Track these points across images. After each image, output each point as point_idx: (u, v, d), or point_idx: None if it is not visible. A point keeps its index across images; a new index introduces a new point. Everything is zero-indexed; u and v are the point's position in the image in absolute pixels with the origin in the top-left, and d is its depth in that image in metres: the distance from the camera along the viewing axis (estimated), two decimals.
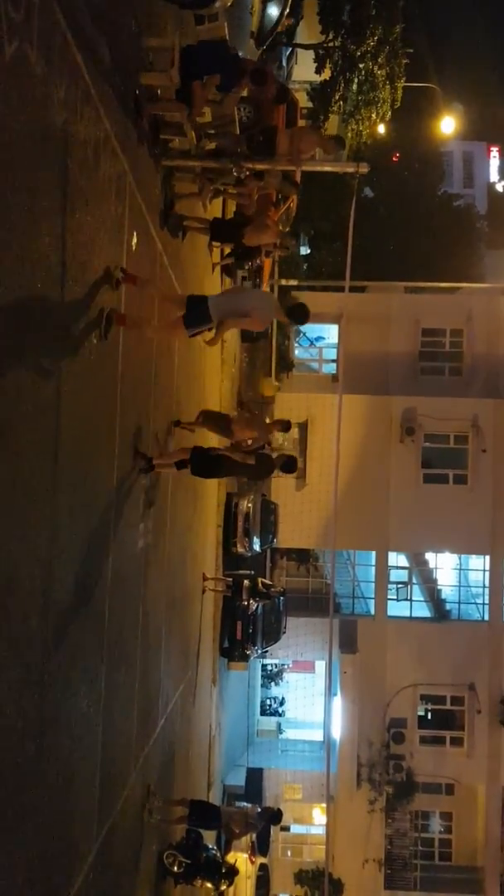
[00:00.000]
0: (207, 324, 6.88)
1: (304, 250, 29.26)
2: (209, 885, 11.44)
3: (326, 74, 24.45)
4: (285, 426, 12.27)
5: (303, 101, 24.03)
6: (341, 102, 24.70)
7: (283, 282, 21.92)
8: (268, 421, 15.00)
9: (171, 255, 9.43)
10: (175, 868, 10.32)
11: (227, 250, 14.55)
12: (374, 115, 24.72)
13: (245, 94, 9.58)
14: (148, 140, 7.90)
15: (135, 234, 7.30)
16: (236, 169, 8.81)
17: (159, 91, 7.90)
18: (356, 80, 23.78)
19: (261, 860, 17.94)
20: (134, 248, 7.30)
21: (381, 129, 28.42)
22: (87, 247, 5.72)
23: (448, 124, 32.15)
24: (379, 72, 23.24)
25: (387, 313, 22.89)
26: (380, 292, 23.97)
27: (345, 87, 24.03)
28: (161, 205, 8.78)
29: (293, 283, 22.60)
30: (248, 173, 9.08)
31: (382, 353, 22.53)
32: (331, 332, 24.67)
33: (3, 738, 4.41)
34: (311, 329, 24.84)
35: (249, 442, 12.49)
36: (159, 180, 8.63)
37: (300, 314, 7.62)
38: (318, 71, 24.60)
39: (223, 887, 11.86)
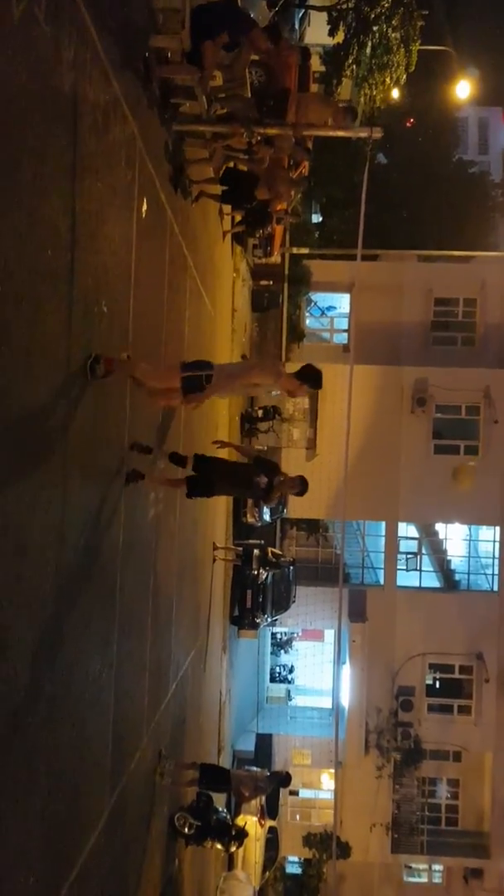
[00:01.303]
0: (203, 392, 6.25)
1: (316, 218, 28.96)
2: (219, 846, 11.63)
3: (340, 37, 23.98)
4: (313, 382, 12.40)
5: (315, 64, 23.64)
6: (354, 66, 24.25)
7: (295, 250, 21.74)
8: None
9: (182, 223, 9.35)
10: (186, 829, 10.49)
11: (238, 218, 14.46)
12: (387, 80, 24.26)
13: (257, 57, 9.43)
14: (158, 104, 7.80)
15: (145, 200, 7.24)
16: (248, 134, 8.70)
17: (169, 54, 7.78)
18: (370, 44, 23.32)
19: (270, 823, 18.25)
20: (144, 215, 7.24)
21: (395, 93, 27.94)
22: (96, 214, 5.68)
23: (463, 89, 31.51)
24: (393, 34, 22.77)
25: (399, 282, 22.71)
26: (392, 261, 23.76)
27: (358, 50, 23.57)
28: (171, 171, 8.69)
29: (304, 250, 22.40)
30: (259, 138, 8.97)
31: (394, 322, 22.39)
32: (342, 302, 24.51)
33: (16, 700, 4.47)
34: (322, 298, 24.68)
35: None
36: (169, 146, 8.54)
37: (314, 379, 6.67)
38: (332, 34, 24.11)
39: (233, 849, 12.08)
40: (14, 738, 4.45)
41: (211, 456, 8.66)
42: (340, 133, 8.81)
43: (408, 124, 31.16)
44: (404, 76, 25.12)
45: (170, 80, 8.03)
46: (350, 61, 24.06)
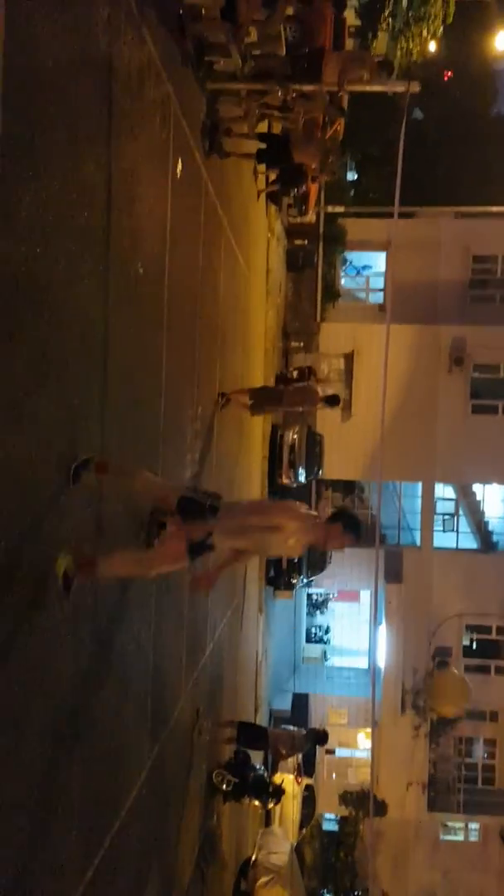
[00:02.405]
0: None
1: (351, 176, 28.46)
2: (257, 802, 11.85)
3: None
4: (333, 401, 12.45)
5: (351, 19, 23.05)
6: (390, 19, 23.64)
7: (330, 208, 21.42)
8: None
9: (216, 183, 9.26)
10: (224, 786, 10.69)
11: (273, 177, 14.26)
12: (424, 32, 23.61)
13: (291, 13, 9.23)
14: (192, 63, 7.69)
15: (180, 160, 7.17)
16: (283, 91, 8.54)
17: (203, 10, 7.63)
18: None
19: (307, 781, 18.48)
20: (179, 175, 7.18)
21: (432, 46, 27.19)
22: (132, 175, 5.64)
23: (503, 40, 30.59)
24: None
25: (436, 240, 22.29)
26: (429, 218, 23.29)
27: (394, 2, 22.97)
28: (206, 130, 8.59)
29: (340, 209, 22.05)
30: (294, 95, 8.80)
31: (431, 280, 22.03)
32: (378, 261, 24.15)
33: (60, 658, 4.56)
34: (357, 257, 24.35)
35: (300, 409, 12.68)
36: (204, 104, 8.43)
37: (355, 527, 5.24)
38: None
39: (270, 805, 12.29)
40: (56, 693, 4.55)
41: None
42: (377, 88, 8.62)
43: (445, 78, 30.34)
44: (441, 28, 24.39)
45: (204, 37, 7.89)
46: (386, 14, 23.46)
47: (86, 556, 4.57)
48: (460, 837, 24.79)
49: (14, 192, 3.66)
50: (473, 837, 24.78)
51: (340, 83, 8.40)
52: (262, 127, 10.97)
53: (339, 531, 4.89)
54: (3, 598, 3.78)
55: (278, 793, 11.87)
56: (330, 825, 24.86)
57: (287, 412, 18.71)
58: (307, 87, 8.63)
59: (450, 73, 30.52)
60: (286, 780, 15.11)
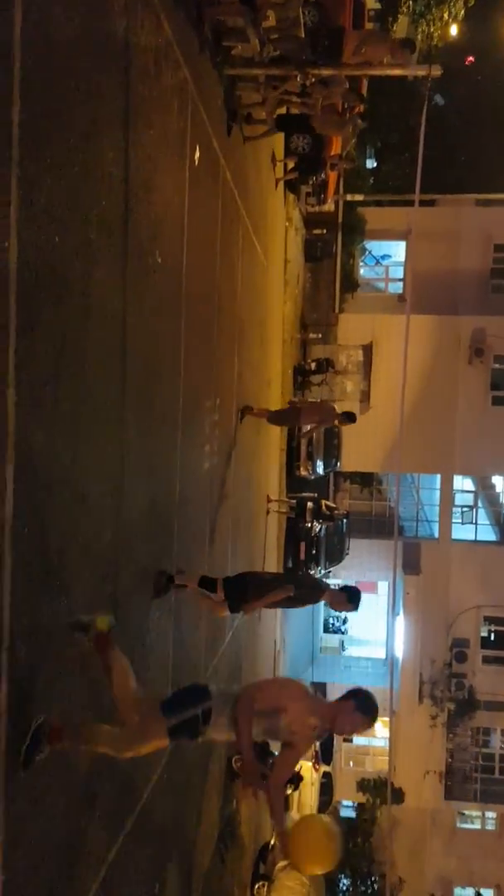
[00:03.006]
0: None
1: (371, 163, 28.26)
2: None
3: None
4: (350, 417, 12.59)
5: (370, 1, 22.83)
6: (411, 2, 23.39)
7: (349, 197, 21.28)
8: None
9: (234, 171, 9.22)
10: None
11: (291, 165, 14.21)
12: (445, 15, 23.35)
13: None
14: (210, 48, 7.65)
15: (197, 147, 7.14)
16: (301, 76, 8.48)
17: None
18: None
19: (324, 769, 18.56)
20: (196, 162, 7.15)
21: (454, 30, 26.90)
22: (149, 162, 5.62)
23: None
24: None
25: (456, 228, 22.08)
26: (449, 206, 23.08)
27: None
28: (224, 117, 8.55)
29: (359, 197, 21.91)
30: (313, 80, 8.73)
31: (451, 270, 21.85)
32: (397, 250, 23.99)
33: (79, 645, 4.57)
34: (377, 247, 24.20)
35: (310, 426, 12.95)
36: (222, 90, 8.38)
37: (367, 708, 4.79)
38: None
39: (288, 791, 12.33)
40: (78, 677, 4.56)
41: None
42: (397, 72, 8.53)
43: (466, 62, 30.00)
44: (463, 11, 24.10)
45: (222, 22, 7.84)
46: None
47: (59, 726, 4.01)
48: (477, 826, 24.81)
49: (32, 178, 3.65)
50: (490, 826, 24.78)
51: (362, 60, 8.29)
52: (281, 110, 10.90)
53: (350, 709, 4.30)
54: None
55: (296, 779, 11.91)
56: (347, 812, 24.93)
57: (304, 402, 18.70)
58: (326, 72, 8.54)
59: (471, 58, 30.18)
60: (304, 766, 15.17)
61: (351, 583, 27.41)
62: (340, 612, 7.03)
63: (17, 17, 3.40)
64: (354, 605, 6.97)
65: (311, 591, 7.18)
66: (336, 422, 13.17)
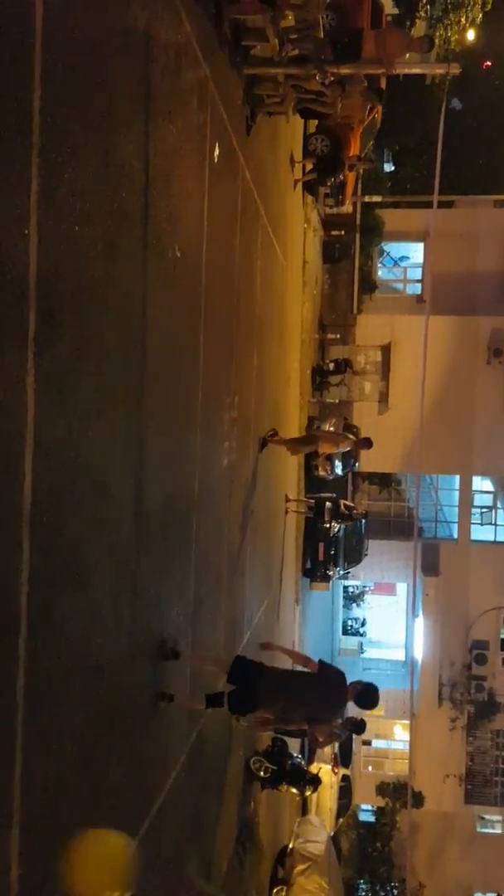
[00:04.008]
0: None
1: (388, 167, 28.22)
2: (294, 790, 11.85)
3: None
4: (367, 443, 12.66)
5: (388, 7, 22.84)
6: (428, 6, 23.38)
7: (367, 198, 21.26)
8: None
9: (253, 170, 9.23)
10: (261, 773, 10.71)
11: (309, 166, 14.21)
12: (463, 20, 23.30)
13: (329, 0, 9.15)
14: (229, 47, 7.67)
15: (217, 145, 7.16)
16: (321, 75, 8.47)
17: None
18: None
19: (343, 772, 18.47)
20: (216, 160, 7.17)
21: (471, 34, 26.83)
22: (169, 158, 5.64)
23: None
24: None
25: (475, 229, 22.01)
26: (467, 207, 23.02)
27: None
28: (243, 115, 8.56)
29: (377, 199, 21.89)
30: (332, 79, 8.73)
31: (469, 271, 21.77)
32: (415, 252, 23.92)
33: (98, 642, 4.58)
34: (395, 248, 24.15)
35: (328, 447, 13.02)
36: (241, 89, 8.40)
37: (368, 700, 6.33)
38: None
39: (307, 793, 12.28)
40: (98, 676, 4.58)
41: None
42: (417, 70, 8.52)
43: (483, 67, 29.91)
44: (480, 15, 24.06)
45: (241, 21, 7.86)
46: (424, 1, 23.22)
47: None
48: (498, 830, 24.58)
49: (53, 166, 3.67)
50: None
51: (384, 54, 8.28)
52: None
53: None
54: None
55: (315, 781, 11.87)
56: (366, 815, 24.81)
57: (322, 403, 18.69)
58: (345, 70, 8.54)
59: (488, 63, 30.08)
60: (323, 769, 15.11)
61: (370, 586, 27.39)
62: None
63: (39, 4, 3.43)
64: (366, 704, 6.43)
65: (335, 691, 6.32)
66: (354, 447, 13.26)
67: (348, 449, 14.38)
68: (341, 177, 14.98)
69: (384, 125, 16.60)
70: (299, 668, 6.90)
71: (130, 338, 4.97)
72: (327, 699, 6.36)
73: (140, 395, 5.17)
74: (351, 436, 13.57)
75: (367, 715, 18.97)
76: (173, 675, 6.29)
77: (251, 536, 10.18)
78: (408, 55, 8.44)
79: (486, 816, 24.49)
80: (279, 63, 8.53)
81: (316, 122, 13.09)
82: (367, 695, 6.36)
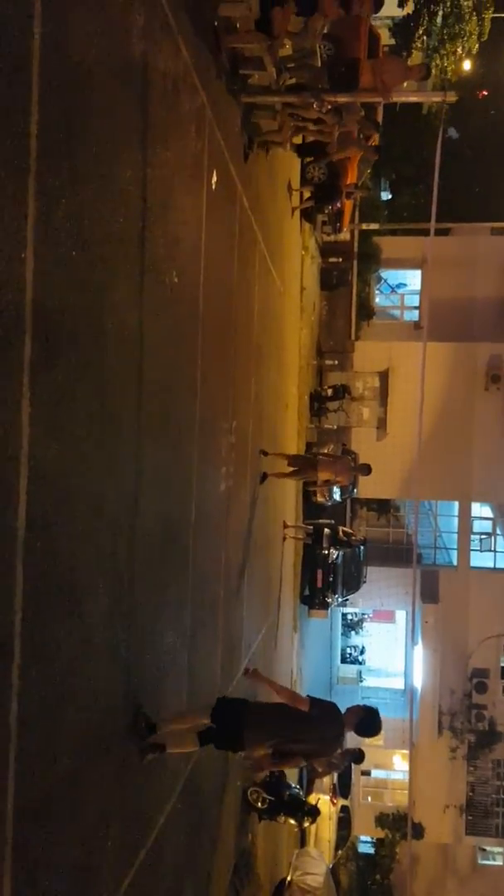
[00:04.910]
0: None
1: (385, 195, 28.50)
2: (292, 821, 11.68)
3: (409, 8, 23.48)
4: (366, 470, 12.71)
5: (385, 38, 23.17)
6: (425, 37, 23.72)
7: (364, 226, 21.44)
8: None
9: (251, 198, 9.30)
10: (259, 804, 10.56)
11: (308, 194, 14.34)
12: (459, 50, 23.65)
13: (325, 30, 9.27)
14: (227, 75, 7.75)
15: (214, 172, 7.20)
16: (318, 104, 8.56)
17: (238, 23, 7.70)
18: (441, 12, 22.75)
19: (342, 802, 18.24)
20: (213, 186, 7.21)
21: (467, 64, 27.22)
22: (167, 184, 5.66)
23: None
24: (465, 2, 22.17)
25: (472, 257, 22.19)
26: (464, 235, 23.22)
27: (429, 20, 23.04)
28: (240, 143, 8.63)
29: (374, 226, 22.07)
30: (329, 108, 8.82)
31: (467, 298, 21.90)
32: (413, 278, 24.07)
33: (93, 667, 4.52)
34: (392, 275, 24.30)
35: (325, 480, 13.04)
36: (239, 117, 8.48)
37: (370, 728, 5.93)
38: (401, 5, 23.64)
39: (306, 824, 12.11)
40: (92, 701, 4.50)
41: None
42: (413, 98, 8.62)
43: (480, 96, 30.32)
44: (476, 45, 24.41)
45: (239, 50, 7.96)
46: (420, 32, 23.54)
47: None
48: (499, 862, 24.22)
49: (50, 192, 3.67)
50: None
51: (379, 85, 8.38)
52: (297, 140, 11.04)
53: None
54: None
55: (313, 812, 11.70)
56: (366, 847, 24.46)
57: (320, 429, 18.69)
58: (342, 98, 8.63)
59: (485, 92, 30.49)
60: (322, 800, 14.91)
61: (369, 614, 27.21)
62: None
63: (37, 30, 3.45)
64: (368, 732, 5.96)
65: (330, 728, 5.78)
66: (352, 475, 13.28)
67: (346, 484, 14.41)
68: (339, 204, 15.12)
69: (381, 154, 16.81)
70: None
71: (127, 362, 4.95)
72: (322, 737, 5.86)
73: (136, 419, 5.15)
74: (351, 463, 13.54)
75: (365, 744, 18.90)
76: (170, 692, 6.20)
77: (249, 563, 10.11)
78: (405, 83, 8.52)
79: (487, 848, 24.15)
80: (277, 91, 8.62)
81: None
82: (369, 722, 5.87)
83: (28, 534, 3.54)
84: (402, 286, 24.55)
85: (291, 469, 12.49)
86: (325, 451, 16.17)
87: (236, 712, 5.81)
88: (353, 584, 18.80)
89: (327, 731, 5.78)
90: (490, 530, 23.29)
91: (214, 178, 7.22)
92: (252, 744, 5.80)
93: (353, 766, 13.31)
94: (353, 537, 18.20)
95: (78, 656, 4.25)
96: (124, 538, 4.96)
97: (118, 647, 4.91)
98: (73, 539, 4.14)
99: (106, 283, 4.48)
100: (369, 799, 24.27)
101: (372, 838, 24.04)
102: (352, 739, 7.03)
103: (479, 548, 22.80)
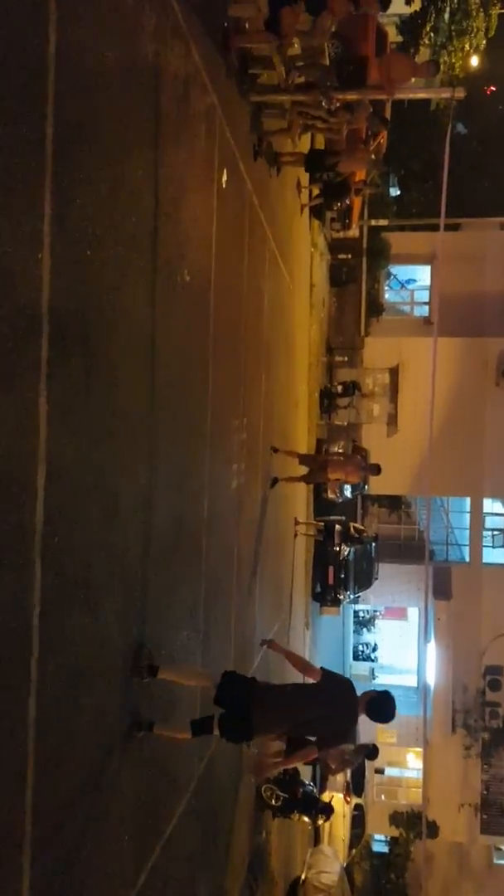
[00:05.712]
0: None
1: (394, 192, 28.47)
2: (306, 819, 11.70)
3: (417, 5, 23.46)
4: (376, 469, 12.68)
5: (392, 35, 23.13)
6: (432, 34, 23.67)
7: (373, 222, 21.42)
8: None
9: (261, 195, 9.32)
10: (273, 801, 10.58)
11: (316, 191, 14.34)
12: (466, 46, 23.60)
13: (334, 29, 9.29)
14: (236, 75, 7.78)
15: (225, 171, 7.24)
16: (326, 101, 8.58)
17: (247, 24, 7.73)
18: (448, 9, 22.71)
19: (356, 800, 18.24)
20: (224, 185, 7.24)
21: (475, 60, 27.15)
22: (178, 183, 5.70)
23: None
24: None
25: (481, 251, 22.14)
26: (474, 230, 23.16)
27: (436, 17, 23.00)
28: (250, 142, 8.66)
29: (383, 222, 22.04)
30: (338, 105, 8.84)
31: (476, 293, 21.84)
32: (422, 274, 24.04)
33: (109, 662, 4.57)
34: (402, 271, 24.28)
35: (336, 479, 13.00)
36: (248, 116, 8.51)
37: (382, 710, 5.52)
38: (409, 2, 23.62)
39: (319, 822, 12.13)
40: (107, 699, 4.55)
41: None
42: (422, 94, 8.62)
43: (488, 92, 30.24)
44: (484, 41, 24.33)
45: (248, 50, 7.99)
46: (427, 28, 23.50)
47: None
48: None
49: (65, 192, 3.71)
50: None
51: (387, 82, 8.39)
52: (306, 141, 11.06)
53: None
54: None
55: (327, 810, 11.71)
56: (380, 846, 24.45)
57: (330, 425, 18.69)
58: (351, 96, 8.65)
59: (492, 88, 30.39)
60: (335, 798, 14.93)
61: (381, 610, 27.16)
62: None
63: (52, 34, 3.49)
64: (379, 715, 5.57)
65: (343, 701, 5.47)
66: (362, 474, 13.25)
67: (357, 482, 14.37)
68: (347, 201, 15.10)
69: (389, 150, 16.78)
70: (301, 679, 6.28)
71: (140, 360, 5.00)
72: (335, 711, 5.49)
73: (150, 416, 5.19)
74: (361, 462, 13.53)
75: (379, 742, 18.90)
76: (185, 689, 6.24)
77: (260, 559, 10.14)
78: (413, 80, 8.53)
79: (503, 847, 24.12)
80: (286, 90, 8.65)
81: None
82: (381, 703, 5.43)
83: (45, 529, 3.59)
84: (412, 282, 24.52)
85: (301, 475, 12.49)
86: (336, 448, 16.16)
87: (244, 687, 5.60)
88: (364, 580, 18.79)
89: (340, 706, 5.51)
90: (502, 526, 23.25)
91: (225, 177, 7.25)
92: (262, 728, 5.51)
93: (366, 763, 13.30)
94: (365, 534, 18.17)
95: (93, 651, 4.29)
96: (138, 534, 5.01)
97: (133, 644, 4.95)
98: (89, 536, 4.18)
99: (119, 283, 4.52)
100: (383, 797, 24.26)
101: (386, 837, 24.02)
102: (366, 734, 7.03)
103: (491, 544, 22.75)
